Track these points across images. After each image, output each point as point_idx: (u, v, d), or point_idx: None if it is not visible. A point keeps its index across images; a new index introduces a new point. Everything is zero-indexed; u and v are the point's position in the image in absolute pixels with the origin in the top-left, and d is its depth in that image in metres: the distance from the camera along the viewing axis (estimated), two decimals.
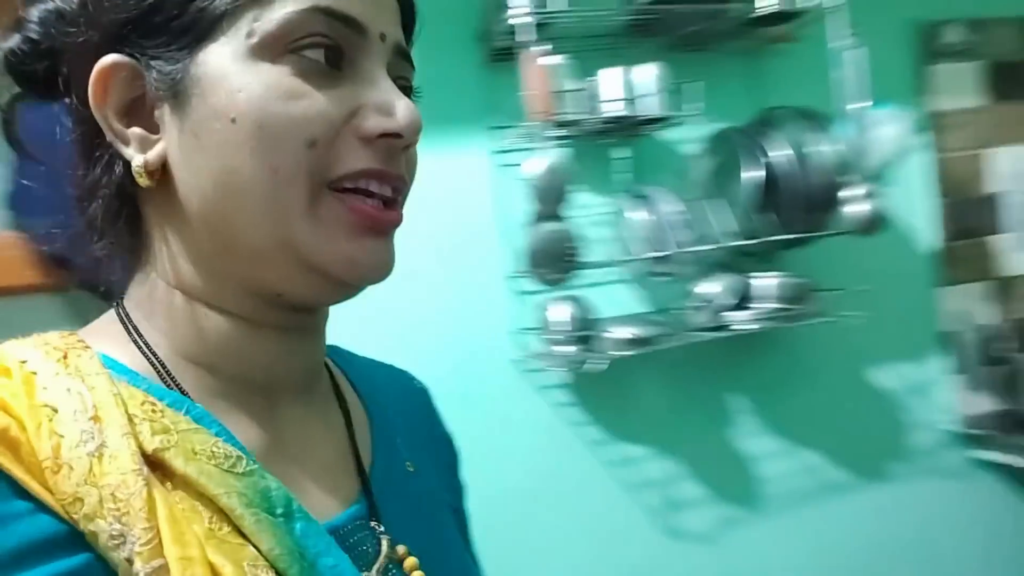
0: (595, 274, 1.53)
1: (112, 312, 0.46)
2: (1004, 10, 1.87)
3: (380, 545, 0.46)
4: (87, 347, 0.42)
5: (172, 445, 0.37)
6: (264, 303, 0.44)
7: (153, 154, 0.42)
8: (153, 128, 0.42)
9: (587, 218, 1.55)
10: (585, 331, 1.42)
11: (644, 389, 1.63)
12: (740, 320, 1.47)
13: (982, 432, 1.80)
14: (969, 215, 1.85)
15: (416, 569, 0.47)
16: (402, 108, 0.42)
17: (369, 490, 0.49)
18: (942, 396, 1.85)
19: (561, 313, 1.42)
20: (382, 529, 0.47)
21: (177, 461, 0.37)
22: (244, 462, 0.39)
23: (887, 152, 1.49)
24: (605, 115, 1.39)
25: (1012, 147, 1.88)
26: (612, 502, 1.61)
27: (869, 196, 1.45)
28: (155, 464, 0.37)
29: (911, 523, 1.81)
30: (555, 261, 1.34)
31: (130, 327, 0.44)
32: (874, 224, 1.45)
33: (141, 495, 0.35)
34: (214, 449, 0.38)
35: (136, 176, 0.42)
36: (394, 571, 0.46)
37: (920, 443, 1.83)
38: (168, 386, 0.42)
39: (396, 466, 0.53)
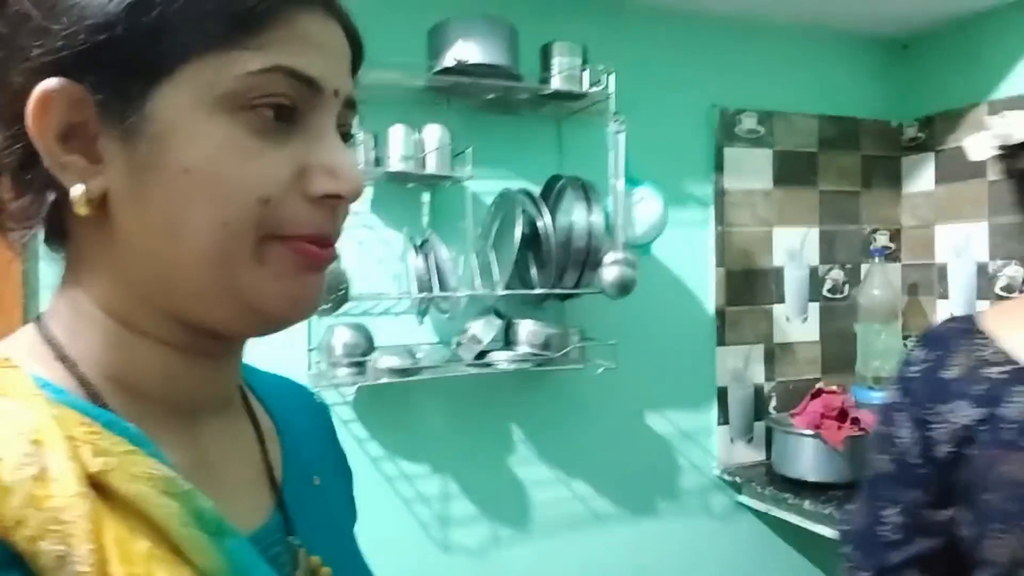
0: (382, 304, 1.72)
1: (31, 329, 0.45)
2: (792, 106, 2.11)
3: (297, 556, 0.48)
4: (14, 366, 0.41)
5: (113, 468, 0.37)
6: (195, 333, 0.45)
7: (96, 185, 0.41)
8: (94, 157, 0.41)
9: (386, 252, 1.74)
10: (361, 356, 1.60)
11: (423, 411, 1.80)
12: (501, 359, 1.67)
13: (743, 480, 2.00)
14: (749, 284, 2.07)
15: None
16: (347, 170, 0.44)
17: (283, 503, 0.50)
18: (711, 444, 2.05)
19: (342, 337, 1.60)
20: (297, 541, 0.49)
21: (118, 483, 0.37)
22: (179, 483, 0.39)
23: (643, 225, 1.70)
24: (390, 169, 1.58)
25: (790, 227, 2.11)
26: (389, 514, 1.76)
27: (621, 263, 1.65)
28: (97, 486, 0.36)
29: (676, 555, 2.01)
30: (328, 292, 1.52)
31: (54, 346, 0.44)
32: (624, 287, 1.65)
33: (87, 517, 0.34)
34: (151, 471, 0.38)
35: (75, 205, 0.41)
36: None
37: (689, 485, 2.03)
38: (99, 406, 0.42)
39: (304, 479, 0.55)
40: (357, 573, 0.57)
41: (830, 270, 2.16)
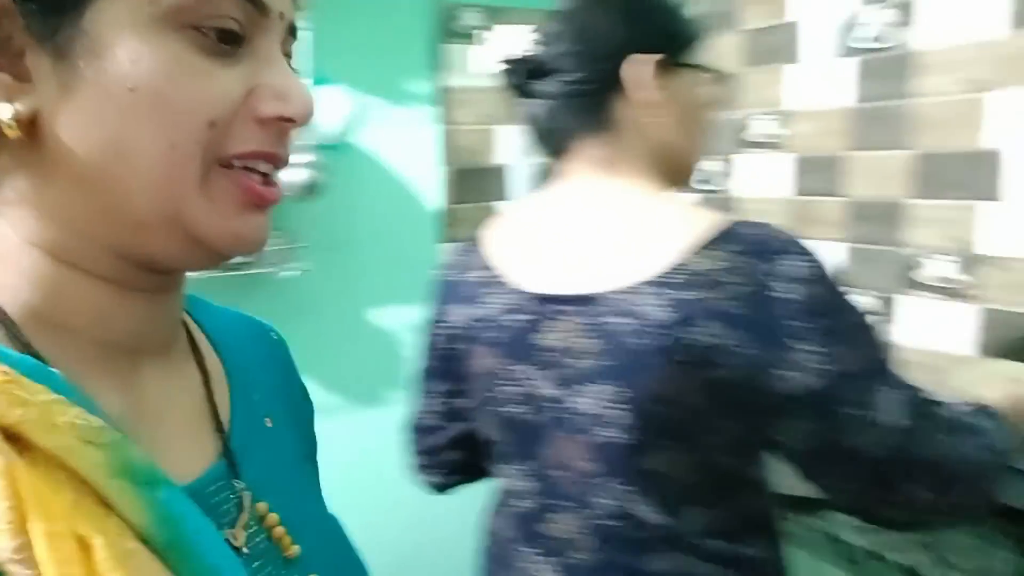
0: None
1: None
2: (517, 1, 2.12)
3: (241, 503, 0.47)
4: None
5: (32, 419, 0.34)
6: (133, 267, 0.43)
7: (25, 106, 0.38)
8: (21, 75, 0.38)
9: None
10: None
11: None
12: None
13: None
14: (475, 182, 2.12)
15: (277, 525, 0.48)
16: (298, 93, 0.43)
17: (229, 448, 0.49)
18: None
19: None
20: (243, 486, 0.48)
21: (37, 435, 0.34)
22: (107, 432, 0.36)
23: (332, 125, 1.69)
24: None
25: (517, 125, 2.15)
26: None
27: (308, 165, 1.65)
28: (13, 438, 0.34)
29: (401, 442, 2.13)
30: None
31: None
32: (310, 188, 1.66)
33: (3, 473, 0.32)
34: (76, 420, 0.35)
35: (3, 127, 0.38)
36: (255, 528, 0.47)
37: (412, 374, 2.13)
38: (19, 350, 0.38)
39: (255, 422, 0.53)
40: (306, 518, 0.54)
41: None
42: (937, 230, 1.54)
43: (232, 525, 0.46)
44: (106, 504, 0.35)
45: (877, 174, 1.65)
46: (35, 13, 0.38)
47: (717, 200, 2.06)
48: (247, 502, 0.47)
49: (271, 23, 0.43)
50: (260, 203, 0.44)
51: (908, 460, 0.70)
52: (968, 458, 0.74)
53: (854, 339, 0.70)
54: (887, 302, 1.65)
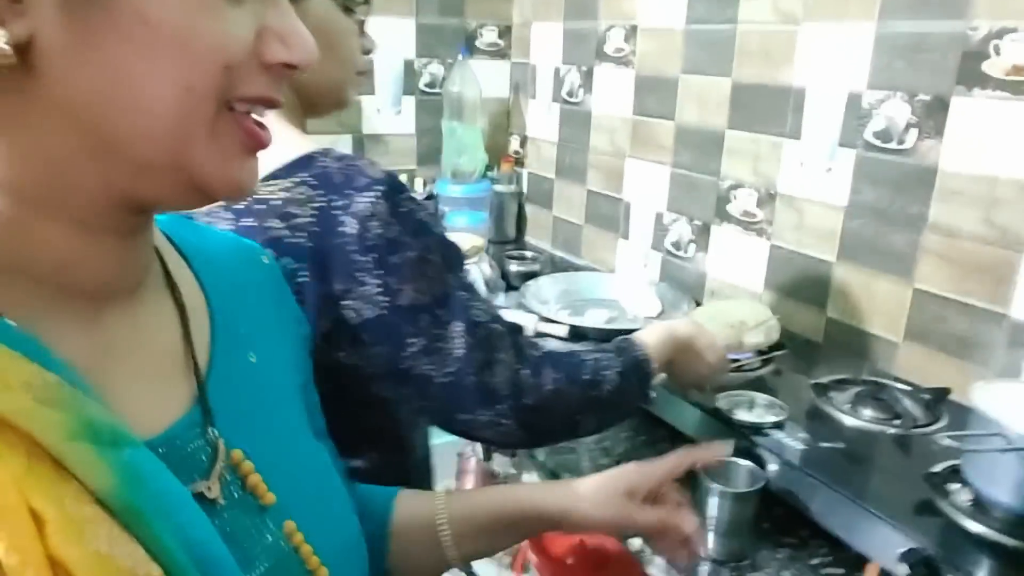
0: None
1: None
2: None
3: (216, 452, 0.45)
4: None
5: None
6: (111, 208, 0.40)
7: (22, 30, 0.34)
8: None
9: None
10: None
11: None
12: None
13: None
14: None
15: (252, 473, 0.46)
16: (301, 38, 0.42)
17: (204, 393, 0.46)
18: None
19: None
20: (217, 434, 0.45)
21: None
22: (65, 389, 0.34)
23: None
24: None
25: (384, 18, 2.07)
26: None
27: None
28: None
29: None
30: None
31: None
32: None
33: None
34: (30, 379, 0.33)
35: (19, 42, 0.34)
36: (230, 477, 0.45)
37: None
38: None
39: (236, 361, 0.51)
40: (286, 460, 0.51)
41: (427, 64, 2.18)
42: (748, 164, 1.53)
43: (206, 476, 0.44)
44: (62, 468, 0.33)
45: (701, 100, 1.62)
46: None
47: (577, 113, 2.02)
48: (221, 450, 0.45)
49: None
50: (259, 146, 0.43)
51: (467, 385, 0.74)
52: (543, 384, 0.79)
53: (415, 273, 0.71)
54: (704, 230, 1.66)
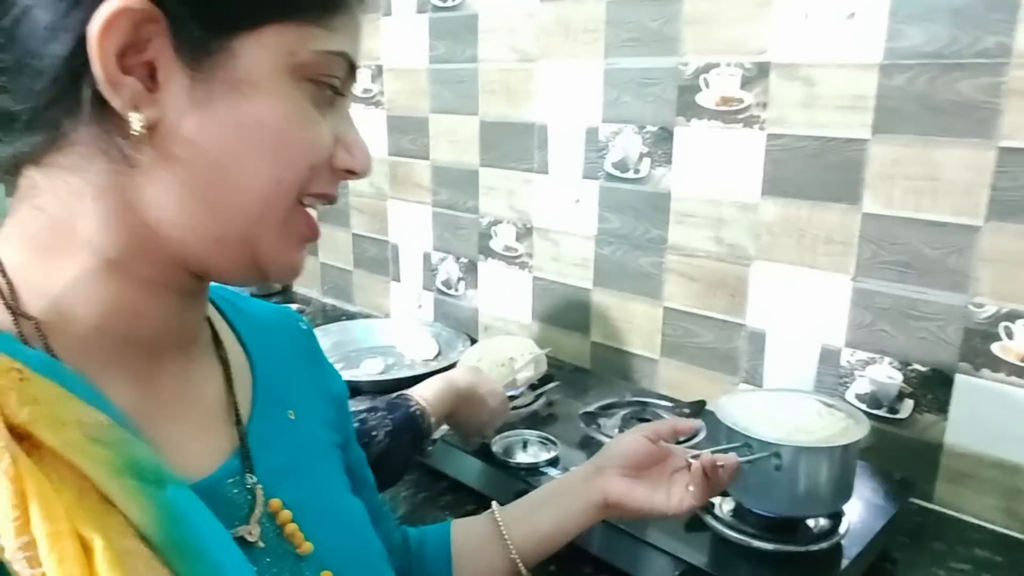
0: None
1: None
2: None
3: (255, 499, 0.47)
4: None
5: (39, 416, 0.35)
6: (178, 272, 0.45)
7: (153, 115, 0.40)
8: (151, 85, 0.40)
9: None
10: None
11: None
12: None
13: None
14: None
15: (290, 522, 0.48)
16: (363, 149, 0.48)
17: (245, 442, 0.49)
18: None
19: None
20: (257, 483, 0.48)
21: (44, 433, 0.35)
22: (114, 429, 0.37)
23: None
24: None
25: None
26: None
27: None
28: (23, 436, 0.34)
29: None
30: None
31: (1, 273, 0.41)
32: None
33: (8, 473, 0.32)
34: (83, 417, 0.36)
35: (133, 126, 0.39)
36: (268, 524, 0.47)
37: None
38: (35, 346, 0.40)
39: (276, 416, 0.53)
40: (324, 513, 0.53)
41: None
42: (504, 199, 1.55)
43: (244, 522, 0.46)
44: (108, 502, 0.36)
45: (453, 139, 1.63)
46: (185, 33, 0.39)
47: None
48: (260, 498, 0.47)
49: (351, 83, 0.47)
50: (315, 238, 0.48)
51: None
52: None
53: None
54: (471, 267, 1.66)
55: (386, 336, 1.67)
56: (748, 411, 0.89)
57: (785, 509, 0.87)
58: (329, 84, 0.45)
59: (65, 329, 0.42)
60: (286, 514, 0.48)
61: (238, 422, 0.50)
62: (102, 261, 0.42)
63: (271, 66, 0.42)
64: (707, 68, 1.18)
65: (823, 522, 0.90)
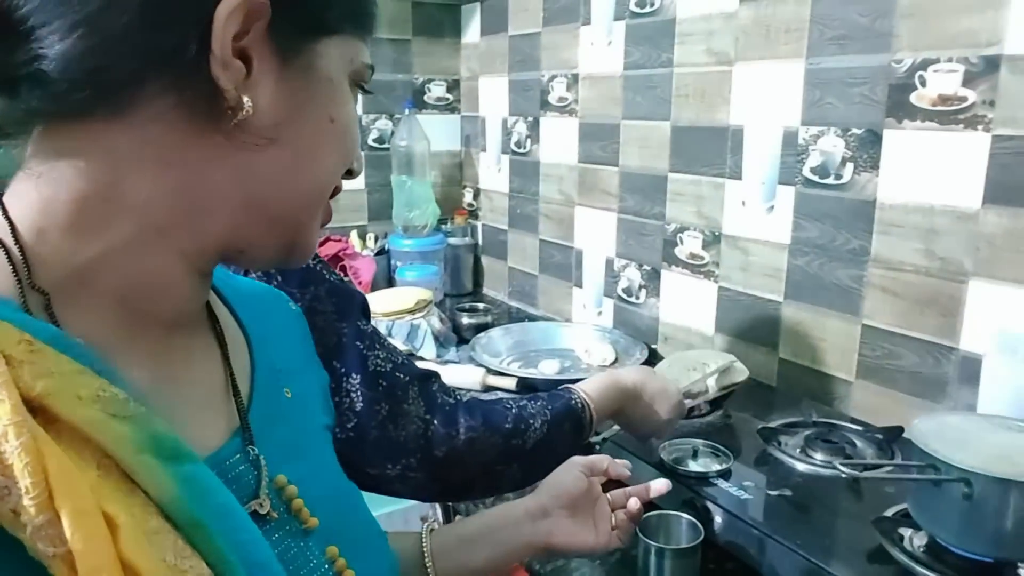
0: None
1: None
2: None
3: (260, 475, 0.47)
4: None
5: (56, 391, 0.34)
6: (212, 250, 0.45)
7: (256, 96, 0.42)
8: (248, 72, 0.41)
9: None
10: None
11: None
12: None
13: None
14: None
15: (296, 497, 0.49)
16: (360, 155, 0.52)
17: (246, 419, 0.49)
18: None
19: None
20: (260, 455, 0.48)
21: (62, 408, 0.33)
22: (131, 404, 0.36)
23: None
24: None
25: None
26: None
27: None
28: (37, 410, 0.33)
29: None
30: None
31: (14, 240, 0.39)
32: None
33: (27, 448, 0.31)
34: (100, 392, 0.35)
35: (236, 105, 0.41)
36: (274, 500, 0.48)
37: None
38: (44, 319, 0.38)
39: (274, 394, 0.54)
40: (327, 486, 0.55)
41: (376, 120, 2.17)
42: (692, 206, 1.51)
43: (251, 498, 0.46)
44: (130, 480, 0.35)
45: (643, 145, 1.61)
46: (283, 28, 0.42)
47: (526, 163, 2.01)
48: (265, 472, 0.47)
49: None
50: (327, 223, 0.51)
51: (371, 440, 0.71)
52: (455, 434, 0.76)
53: None
54: (654, 275, 1.63)
55: (565, 340, 1.68)
56: (945, 433, 0.79)
57: (977, 548, 0.76)
58: (362, 90, 0.51)
59: (81, 302, 0.40)
60: (292, 489, 0.49)
61: (238, 399, 0.50)
62: (146, 229, 0.41)
63: (340, 70, 0.47)
64: (924, 65, 1.08)
65: None
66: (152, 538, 0.33)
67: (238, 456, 0.47)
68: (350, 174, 0.51)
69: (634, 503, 0.80)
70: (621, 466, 0.83)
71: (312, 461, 0.55)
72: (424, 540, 0.72)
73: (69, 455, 0.33)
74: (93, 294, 0.41)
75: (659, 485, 0.84)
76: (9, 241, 0.39)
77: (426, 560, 0.71)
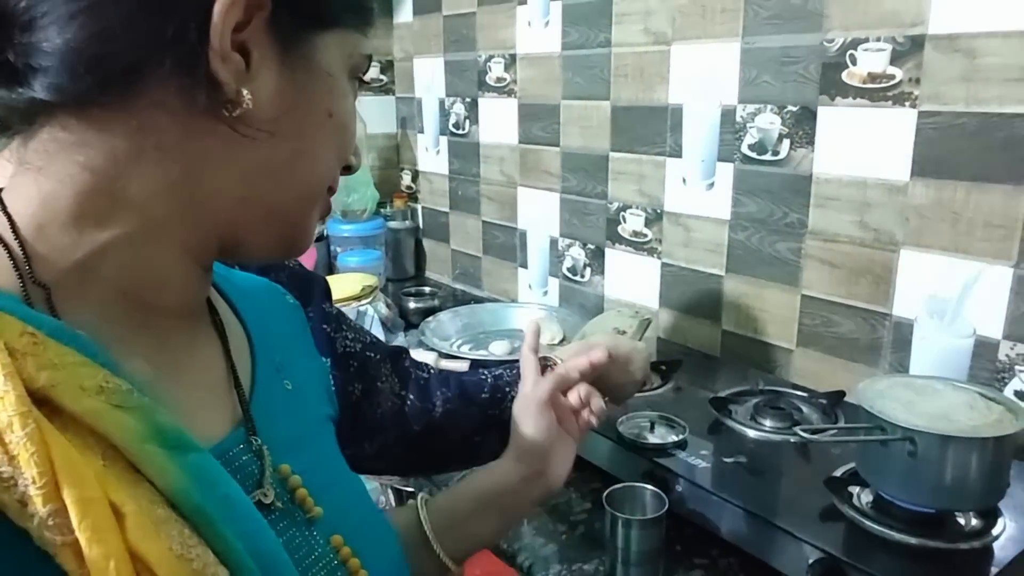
0: None
1: None
2: None
3: (264, 465, 0.47)
4: None
5: (59, 382, 0.34)
6: (211, 244, 0.45)
7: (255, 89, 0.41)
8: (246, 66, 0.41)
9: None
10: None
11: None
12: None
13: None
14: None
15: (299, 487, 0.49)
16: (358, 150, 0.52)
17: (248, 410, 0.49)
18: None
19: None
20: (263, 445, 0.48)
21: (66, 399, 0.34)
22: (135, 395, 0.36)
23: None
24: None
25: None
26: None
27: None
28: (41, 402, 0.33)
29: None
30: None
31: (13, 235, 0.39)
32: None
33: (32, 438, 0.31)
34: (103, 383, 0.35)
35: (236, 99, 0.40)
36: (278, 490, 0.47)
37: None
38: (32, 306, 0.38)
39: (275, 386, 0.54)
40: (329, 476, 0.54)
41: None
42: (634, 184, 1.54)
43: (255, 488, 0.46)
44: (136, 470, 0.35)
45: (583, 125, 1.63)
46: (283, 21, 0.42)
47: (466, 145, 2.00)
48: (268, 461, 0.48)
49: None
50: (326, 217, 0.51)
51: (345, 419, 0.72)
52: (431, 408, 0.77)
53: None
54: (598, 253, 1.66)
55: (513, 320, 1.70)
56: (887, 396, 0.84)
57: (921, 501, 0.82)
58: (361, 81, 0.51)
59: (82, 295, 0.41)
60: (295, 479, 0.49)
61: (239, 390, 0.50)
62: (147, 222, 0.41)
63: (339, 64, 0.47)
64: (854, 44, 1.13)
65: (975, 521, 0.84)
66: (159, 527, 0.34)
67: (241, 447, 0.47)
68: (348, 169, 0.51)
69: (595, 403, 0.79)
70: (591, 358, 0.81)
71: (314, 451, 0.56)
72: (423, 517, 0.70)
73: (74, 445, 0.33)
74: (94, 287, 0.41)
75: (597, 356, 0.83)
76: (9, 237, 0.40)
77: (429, 538, 0.70)
